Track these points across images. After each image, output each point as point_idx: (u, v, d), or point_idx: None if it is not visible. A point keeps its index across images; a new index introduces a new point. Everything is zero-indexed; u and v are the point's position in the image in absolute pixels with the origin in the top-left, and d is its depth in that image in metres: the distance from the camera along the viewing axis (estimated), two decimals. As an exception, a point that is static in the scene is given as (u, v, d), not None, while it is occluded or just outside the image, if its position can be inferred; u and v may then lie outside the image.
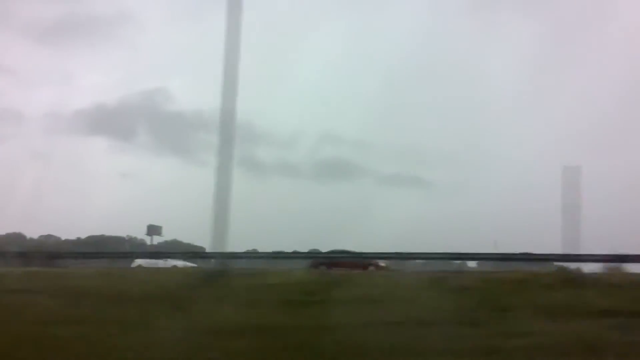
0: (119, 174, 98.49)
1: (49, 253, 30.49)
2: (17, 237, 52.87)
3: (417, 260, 31.67)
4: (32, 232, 57.66)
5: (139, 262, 30.08)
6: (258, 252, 34.39)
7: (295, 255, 31.90)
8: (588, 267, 23.58)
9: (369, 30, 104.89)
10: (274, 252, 34.44)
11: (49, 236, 56.86)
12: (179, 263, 29.27)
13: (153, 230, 37.26)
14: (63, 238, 58.46)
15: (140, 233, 57.67)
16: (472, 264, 33.56)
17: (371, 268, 24.88)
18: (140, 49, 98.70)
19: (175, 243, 61.72)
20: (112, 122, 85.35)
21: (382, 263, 26.44)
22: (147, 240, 45.40)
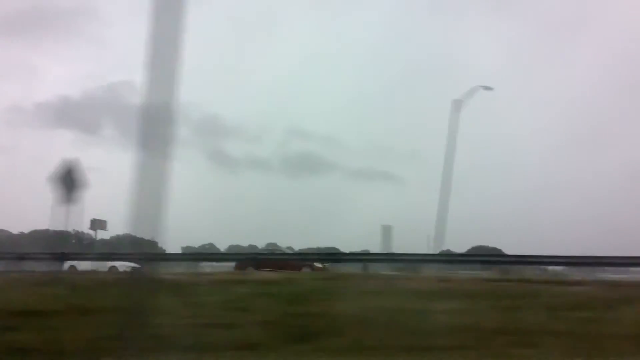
0: (84, 168, 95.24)
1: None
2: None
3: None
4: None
5: (82, 263, 26.90)
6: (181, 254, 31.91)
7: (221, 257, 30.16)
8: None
9: (340, 27, 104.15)
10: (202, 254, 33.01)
11: (2, 231, 54.39)
12: (121, 264, 26.67)
13: (97, 224, 34.91)
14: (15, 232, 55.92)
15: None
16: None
17: (305, 269, 23.72)
18: (106, 43, 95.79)
19: (127, 238, 59.12)
20: (77, 116, 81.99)
21: (318, 264, 24.96)
22: (93, 235, 43.11)
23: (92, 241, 47.63)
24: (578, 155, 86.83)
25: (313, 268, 24.19)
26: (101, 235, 54.04)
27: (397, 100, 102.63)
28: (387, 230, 53.20)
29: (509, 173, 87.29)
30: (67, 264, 26.60)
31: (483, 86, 27.66)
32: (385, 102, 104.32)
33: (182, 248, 56.79)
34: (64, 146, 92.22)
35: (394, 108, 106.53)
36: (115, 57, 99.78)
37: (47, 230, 54.66)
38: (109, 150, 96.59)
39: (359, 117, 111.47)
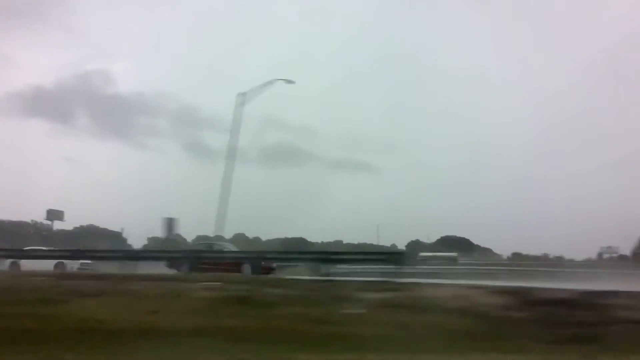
0: (59, 157, 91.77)
1: None
2: None
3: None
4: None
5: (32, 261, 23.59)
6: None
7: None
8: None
9: (316, 16, 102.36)
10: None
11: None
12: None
13: (53, 214, 32.91)
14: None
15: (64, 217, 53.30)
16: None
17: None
18: (79, 32, 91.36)
19: (91, 228, 58.19)
20: (51, 105, 78.75)
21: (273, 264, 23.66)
22: (51, 225, 41.05)
23: (49, 232, 45.62)
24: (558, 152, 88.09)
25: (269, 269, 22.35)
26: (61, 225, 51.94)
27: (370, 90, 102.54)
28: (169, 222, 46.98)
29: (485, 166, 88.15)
30: (8, 262, 24.06)
31: (284, 79, 26.21)
32: (358, 92, 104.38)
33: (149, 239, 54.60)
34: (37, 136, 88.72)
35: (366, 97, 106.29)
36: (89, 46, 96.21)
37: (2, 222, 51.56)
38: (83, 139, 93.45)
39: (334, 106, 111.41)
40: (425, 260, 43.77)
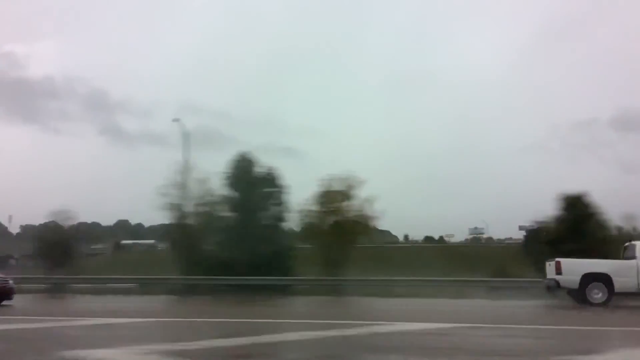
0: None
1: None
2: None
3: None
4: None
5: None
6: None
7: None
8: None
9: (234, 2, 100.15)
10: None
11: None
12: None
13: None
14: None
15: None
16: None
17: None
18: None
19: None
20: None
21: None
22: None
23: None
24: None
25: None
26: None
27: (293, 77, 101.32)
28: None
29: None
30: None
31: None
32: (281, 78, 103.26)
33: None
34: None
35: (289, 84, 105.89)
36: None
37: None
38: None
39: (253, 92, 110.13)
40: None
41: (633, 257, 16.43)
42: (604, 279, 16.15)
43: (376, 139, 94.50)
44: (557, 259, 16.83)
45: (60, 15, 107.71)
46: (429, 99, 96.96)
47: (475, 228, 76.46)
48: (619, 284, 16.09)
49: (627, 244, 17.76)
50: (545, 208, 27.41)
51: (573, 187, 26.65)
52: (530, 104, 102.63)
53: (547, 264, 17.59)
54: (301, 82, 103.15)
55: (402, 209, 76.58)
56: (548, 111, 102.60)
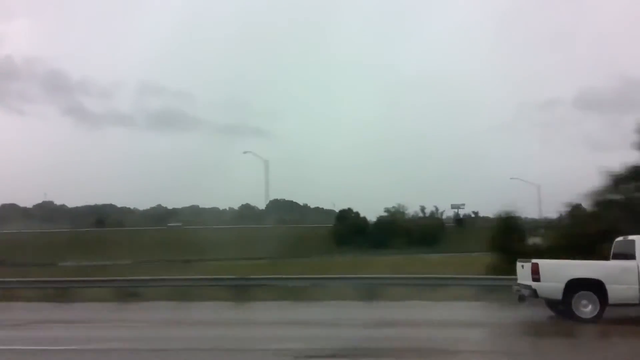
0: None
1: None
2: None
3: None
4: None
5: None
6: None
7: None
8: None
9: None
10: None
11: None
12: None
13: None
14: None
15: None
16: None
17: None
18: None
19: None
20: None
21: None
22: None
23: None
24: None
25: None
26: None
27: (256, 59, 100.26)
28: None
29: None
30: None
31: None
32: (243, 59, 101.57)
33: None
34: None
35: (251, 65, 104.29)
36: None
37: None
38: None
39: (214, 72, 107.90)
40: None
41: (633, 257, 12.46)
42: (594, 287, 12.27)
43: (344, 123, 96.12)
44: (533, 261, 12.86)
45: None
46: (394, 84, 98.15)
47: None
48: (614, 293, 12.20)
49: (620, 238, 13.69)
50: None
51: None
52: (496, 85, 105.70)
53: (519, 265, 13.63)
54: (267, 63, 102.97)
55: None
56: (515, 91, 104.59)
